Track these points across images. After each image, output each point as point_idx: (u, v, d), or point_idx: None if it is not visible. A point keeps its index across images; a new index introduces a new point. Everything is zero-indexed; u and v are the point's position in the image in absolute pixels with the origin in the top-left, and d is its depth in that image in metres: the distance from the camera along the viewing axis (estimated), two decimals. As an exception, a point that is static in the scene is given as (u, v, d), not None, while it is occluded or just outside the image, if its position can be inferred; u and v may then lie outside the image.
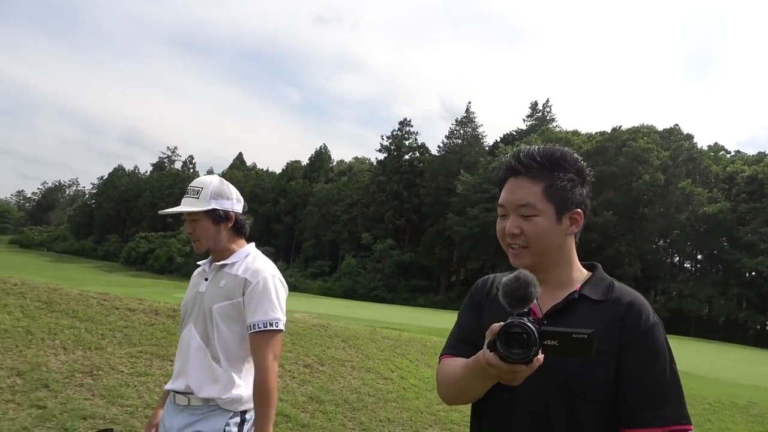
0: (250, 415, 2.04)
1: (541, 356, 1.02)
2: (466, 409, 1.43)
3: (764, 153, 48.30)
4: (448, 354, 1.39)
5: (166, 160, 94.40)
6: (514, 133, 61.89)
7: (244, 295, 2.00)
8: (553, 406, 1.21)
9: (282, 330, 2.03)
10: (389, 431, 4.84)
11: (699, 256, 49.37)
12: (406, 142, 65.10)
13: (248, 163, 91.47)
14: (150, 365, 4.66)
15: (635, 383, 1.20)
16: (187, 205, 2.06)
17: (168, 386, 2.11)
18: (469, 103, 75.42)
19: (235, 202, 2.13)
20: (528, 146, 1.34)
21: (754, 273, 41.83)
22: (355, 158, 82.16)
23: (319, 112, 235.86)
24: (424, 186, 60.10)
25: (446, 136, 62.78)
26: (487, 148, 60.81)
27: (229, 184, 2.16)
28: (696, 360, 14.90)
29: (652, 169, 44.05)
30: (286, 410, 4.63)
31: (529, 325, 1.00)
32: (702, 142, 66.87)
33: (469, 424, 1.40)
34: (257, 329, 1.97)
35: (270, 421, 1.98)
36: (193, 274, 2.23)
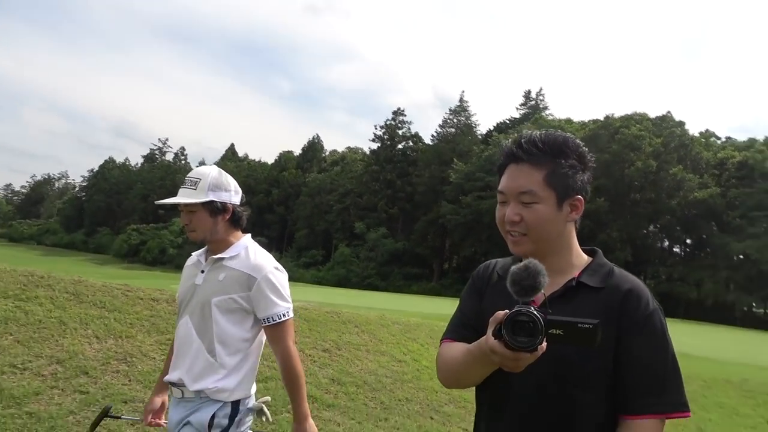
0: (243, 406, 2.05)
1: (545, 345, 1.02)
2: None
3: (754, 139, 48.91)
4: (449, 338, 1.40)
5: (157, 152, 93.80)
6: (508, 121, 62.10)
7: (250, 290, 2.01)
8: (549, 392, 1.22)
9: (292, 317, 2.10)
10: (408, 409, 5.08)
11: (688, 241, 50.13)
12: (400, 132, 65.15)
13: (240, 154, 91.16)
14: (179, 352, 4.85)
15: (634, 371, 1.20)
16: (184, 196, 2.03)
17: (165, 378, 2.15)
18: (463, 92, 75.06)
19: (233, 193, 2.10)
20: (529, 132, 1.32)
21: (741, 256, 42.65)
22: (348, 148, 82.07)
23: (311, 101, 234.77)
24: (418, 175, 60.29)
25: (439, 125, 62.95)
26: (480, 137, 61.00)
27: (228, 175, 2.13)
28: (688, 341, 15.30)
29: (644, 156, 44.52)
30: (311, 392, 4.84)
31: (536, 313, 1.01)
32: (693, 128, 67.38)
33: None
34: (272, 322, 2.02)
35: (303, 400, 2.07)
36: (186, 264, 2.22)
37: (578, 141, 1.31)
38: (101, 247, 79.46)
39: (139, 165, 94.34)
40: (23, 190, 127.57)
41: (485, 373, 1.22)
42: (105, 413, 2.27)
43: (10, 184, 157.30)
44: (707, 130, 54.74)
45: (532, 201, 1.25)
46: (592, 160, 1.33)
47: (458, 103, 62.53)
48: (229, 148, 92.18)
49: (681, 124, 49.16)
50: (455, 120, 61.89)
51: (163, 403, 2.28)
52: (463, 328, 1.38)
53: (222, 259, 2.05)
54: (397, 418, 4.86)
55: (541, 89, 71.23)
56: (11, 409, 3.56)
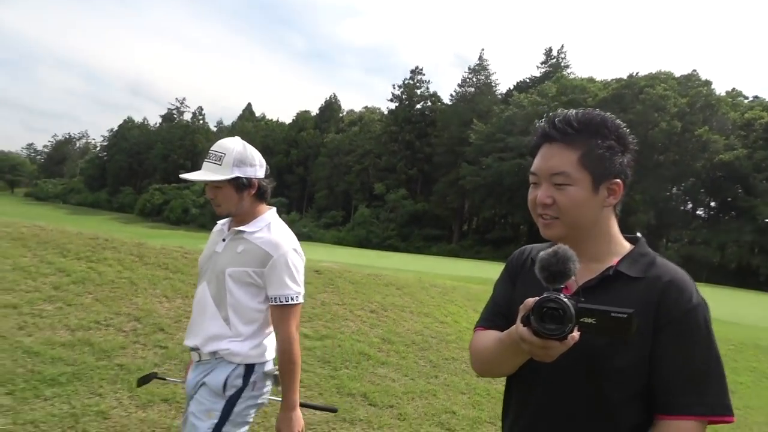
0: (259, 369, 2.06)
1: (576, 334, 0.98)
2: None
3: (784, 98, 47.53)
4: (483, 326, 1.36)
5: (175, 112, 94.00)
6: (528, 80, 60.91)
7: (264, 267, 2.00)
8: (578, 384, 1.16)
9: (301, 302, 2.07)
10: (455, 368, 5.36)
11: (713, 204, 49.48)
12: (418, 91, 64.43)
13: (257, 113, 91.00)
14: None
15: (672, 368, 1.12)
16: (209, 171, 2.00)
17: (185, 342, 2.17)
18: (482, 50, 72.93)
19: (258, 167, 2.06)
20: (565, 111, 1.25)
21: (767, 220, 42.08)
22: (366, 108, 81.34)
23: (325, 59, 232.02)
24: (437, 135, 59.89)
25: (458, 85, 62.11)
26: (500, 97, 60.08)
27: (252, 148, 2.09)
28: (713, 305, 15.28)
29: (669, 117, 43.64)
30: (364, 350, 5.14)
31: (566, 301, 0.97)
32: (720, 88, 65.55)
33: None
34: (279, 302, 2.00)
35: (295, 389, 2.02)
36: (213, 230, 2.23)
37: (618, 121, 1.23)
38: (124, 206, 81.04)
39: (158, 125, 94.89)
40: (45, 150, 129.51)
41: (517, 362, 1.18)
42: (152, 376, 2.36)
43: (32, 144, 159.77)
44: (734, 89, 53.22)
45: (565, 183, 1.19)
46: (635, 141, 1.24)
47: (477, 62, 61.50)
48: (246, 108, 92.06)
49: (707, 83, 47.86)
50: (474, 79, 60.92)
51: None
52: (495, 317, 1.35)
53: (243, 231, 2.05)
54: (445, 375, 5.14)
55: (562, 47, 69.91)
56: (103, 361, 3.89)
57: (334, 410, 2.60)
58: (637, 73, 49.14)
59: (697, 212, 50.86)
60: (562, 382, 1.18)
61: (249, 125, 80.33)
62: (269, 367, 2.12)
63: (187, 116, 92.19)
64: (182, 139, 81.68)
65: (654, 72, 48.64)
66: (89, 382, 3.65)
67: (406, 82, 64.75)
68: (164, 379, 2.44)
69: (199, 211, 65.23)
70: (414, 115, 63.21)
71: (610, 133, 1.20)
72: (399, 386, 4.68)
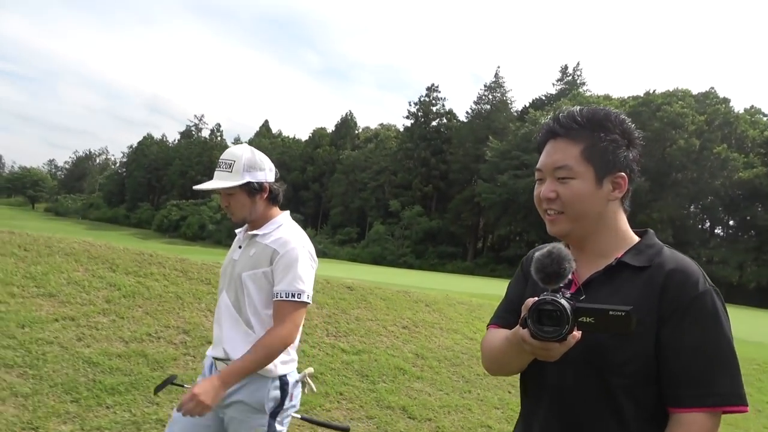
0: (291, 378, 2.08)
1: (578, 333, 0.98)
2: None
3: (804, 116, 47.16)
4: (495, 324, 1.37)
5: (193, 128, 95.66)
6: (544, 97, 61.15)
7: (272, 264, 2.00)
8: (586, 382, 1.14)
9: (307, 302, 2.01)
10: (487, 383, 5.48)
11: (731, 222, 49.00)
12: (434, 108, 64.94)
13: (274, 130, 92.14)
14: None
15: (681, 357, 1.10)
16: (221, 180, 2.03)
17: (209, 352, 2.18)
18: (498, 67, 74.65)
19: (267, 171, 2.10)
20: (570, 107, 1.26)
21: (788, 239, 41.56)
22: (381, 125, 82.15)
23: (341, 77, 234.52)
24: (452, 152, 60.20)
25: (474, 102, 62.53)
26: (516, 114, 60.36)
27: (261, 153, 2.13)
28: (734, 324, 15.21)
29: (686, 134, 43.54)
30: (400, 364, 5.28)
31: (562, 302, 0.97)
32: (738, 105, 65.07)
33: None
34: (281, 298, 1.97)
35: (246, 372, 1.92)
36: (235, 241, 2.24)
37: (623, 116, 1.24)
38: (142, 222, 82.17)
39: (176, 141, 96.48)
40: (66, 166, 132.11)
41: (524, 361, 1.18)
42: (169, 381, 2.29)
43: (53, 160, 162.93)
44: (753, 107, 52.88)
45: (567, 176, 1.19)
46: (640, 137, 1.25)
47: (493, 79, 61.91)
48: (263, 125, 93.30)
49: (725, 101, 47.74)
50: (490, 96, 61.31)
51: None
52: (508, 314, 1.35)
53: (256, 235, 2.08)
54: (479, 390, 5.26)
55: (578, 64, 69.99)
56: (157, 372, 4.09)
57: (346, 429, 2.53)
58: (654, 91, 49.26)
59: (716, 231, 50.39)
60: (572, 381, 1.16)
61: (266, 142, 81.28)
62: (296, 374, 2.14)
63: (205, 133, 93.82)
64: (200, 155, 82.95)
65: (671, 89, 48.65)
66: (146, 391, 3.84)
67: (422, 99, 65.34)
68: (182, 386, 2.41)
69: (215, 227, 65.91)
70: (429, 132, 63.66)
71: (614, 127, 1.21)
72: (435, 400, 4.81)
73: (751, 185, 42.62)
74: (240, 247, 2.13)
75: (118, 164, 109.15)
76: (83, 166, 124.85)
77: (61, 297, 4.68)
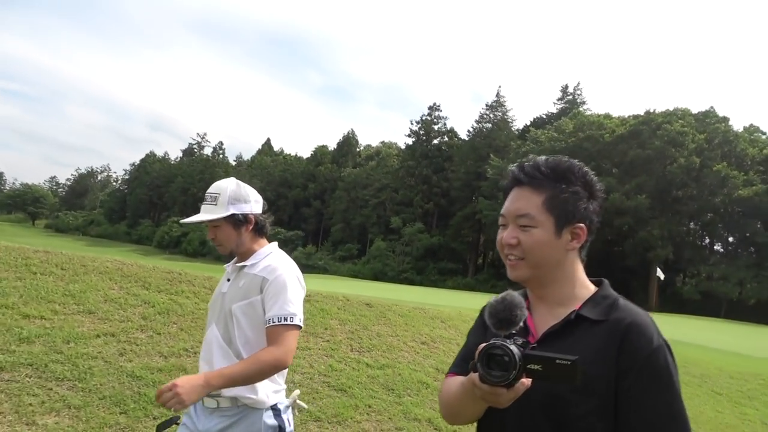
0: (283, 405, 2.09)
1: (527, 381, 0.99)
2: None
3: (802, 134, 47.68)
4: (453, 373, 1.36)
5: (195, 146, 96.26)
6: (545, 116, 61.80)
7: (261, 292, 2.01)
8: (543, 431, 1.16)
9: (298, 326, 2.01)
10: (506, 398, 5.66)
11: (731, 239, 49.25)
12: (435, 127, 65.63)
13: (275, 148, 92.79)
14: (307, 341, 5.53)
15: (636, 414, 1.12)
16: (206, 213, 2.08)
17: None
18: (500, 86, 75.24)
19: (253, 203, 2.13)
20: (536, 156, 1.30)
21: (788, 256, 41.77)
22: (383, 143, 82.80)
23: (343, 95, 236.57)
24: (453, 170, 60.65)
25: (476, 120, 63.19)
26: (517, 132, 60.93)
27: (246, 186, 2.16)
28: (735, 341, 15.41)
29: (686, 153, 43.95)
30: (422, 378, 5.48)
31: (511, 348, 0.98)
32: (738, 124, 65.75)
33: None
34: (273, 323, 1.98)
35: (236, 383, 1.92)
36: (224, 275, 2.27)
37: (586, 169, 1.28)
38: (143, 239, 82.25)
39: (179, 159, 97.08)
40: (68, 183, 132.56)
41: (477, 408, 1.18)
42: (173, 421, 2.22)
43: (54, 177, 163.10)
44: (752, 125, 53.45)
45: (529, 224, 1.23)
46: (602, 190, 1.29)
47: (495, 98, 62.64)
48: (265, 143, 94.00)
49: (725, 119, 48.24)
50: (491, 115, 61.96)
51: None
52: (466, 363, 1.29)
53: (244, 266, 2.11)
54: (498, 404, 5.45)
55: (578, 83, 70.84)
56: (197, 386, 4.28)
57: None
58: (654, 110, 49.72)
59: (716, 247, 50.61)
60: (529, 430, 1.18)
61: (268, 160, 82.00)
62: (286, 400, 2.15)
63: (208, 150, 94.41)
64: (202, 173, 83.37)
65: (671, 109, 49.17)
66: (188, 404, 4.03)
67: (423, 118, 66.07)
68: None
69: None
70: (431, 150, 64.23)
71: (576, 179, 1.25)
72: (458, 414, 5.00)
73: (750, 202, 42.92)
74: (228, 280, 2.16)
75: (120, 181, 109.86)
76: (85, 183, 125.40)
77: (100, 314, 4.89)
